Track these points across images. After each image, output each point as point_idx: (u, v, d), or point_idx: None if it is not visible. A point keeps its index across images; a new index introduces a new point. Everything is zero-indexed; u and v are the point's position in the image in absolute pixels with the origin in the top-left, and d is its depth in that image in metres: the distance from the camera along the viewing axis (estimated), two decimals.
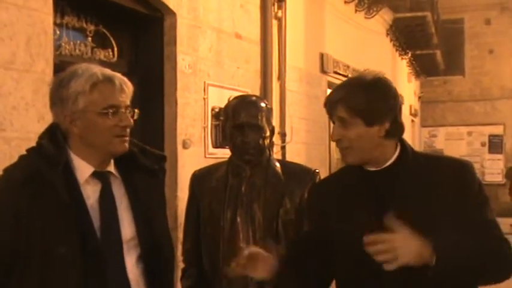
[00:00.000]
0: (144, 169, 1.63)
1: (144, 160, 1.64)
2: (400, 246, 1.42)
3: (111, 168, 1.59)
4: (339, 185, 1.70)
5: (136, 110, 1.59)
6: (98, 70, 1.53)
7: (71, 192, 1.47)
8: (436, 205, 1.54)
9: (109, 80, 1.52)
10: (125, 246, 1.54)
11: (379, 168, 1.61)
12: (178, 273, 2.24)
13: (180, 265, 2.25)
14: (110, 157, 1.58)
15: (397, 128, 1.61)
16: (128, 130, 1.55)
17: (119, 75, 1.56)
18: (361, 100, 1.56)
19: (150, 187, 1.64)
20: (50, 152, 1.49)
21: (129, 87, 1.57)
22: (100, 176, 1.55)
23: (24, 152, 1.58)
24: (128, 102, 1.56)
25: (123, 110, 1.53)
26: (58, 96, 1.53)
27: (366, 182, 1.61)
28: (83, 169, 1.53)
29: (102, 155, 1.55)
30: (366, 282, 1.56)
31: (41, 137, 1.56)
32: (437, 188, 1.55)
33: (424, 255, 1.43)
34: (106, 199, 1.54)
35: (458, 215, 1.53)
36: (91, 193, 1.53)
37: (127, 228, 1.55)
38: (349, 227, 1.58)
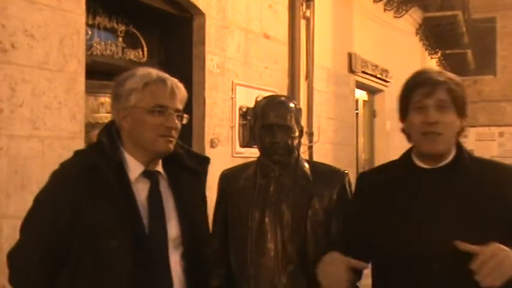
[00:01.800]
0: (189, 170, 1.69)
1: (188, 161, 1.69)
2: (502, 261, 1.38)
3: (159, 168, 1.64)
4: (392, 178, 1.67)
5: (185, 115, 1.64)
6: (154, 71, 1.61)
7: (123, 189, 1.52)
8: (493, 209, 1.51)
9: (161, 81, 1.58)
10: (170, 244, 1.59)
11: (435, 166, 1.59)
12: None
13: None
14: (156, 156, 1.62)
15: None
16: (174, 132, 1.59)
17: (174, 79, 1.62)
18: (460, 88, 1.57)
19: (193, 188, 1.69)
20: (107, 149, 1.56)
21: (181, 91, 1.62)
22: (149, 175, 1.61)
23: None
24: (179, 106, 1.61)
25: (171, 111, 1.57)
26: (116, 92, 1.60)
27: (423, 178, 1.59)
28: (135, 167, 1.58)
29: (149, 154, 1.59)
30: (415, 279, 1.54)
31: (100, 133, 1.62)
32: (494, 191, 1.54)
33: None
34: (154, 198, 1.59)
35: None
36: (141, 191, 1.58)
37: (173, 226, 1.61)
38: (401, 222, 1.56)
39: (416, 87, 1.57)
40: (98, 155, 1.54)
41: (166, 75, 1.62)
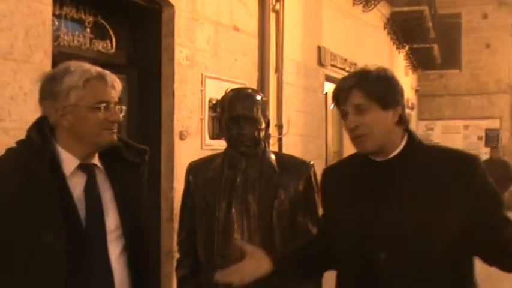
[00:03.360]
0: (127, 162, 1.68)
1: (126, 153, 1.69)
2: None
3: (96, 161, 1.64)
4: (349, 172, 1.71)
5: (123, 107, 1.64)
6: (91, 67, 1.59)
7: (57, 183, 1.51)
8: (442, 196, 1.52)
9: (101, 76, 1.58)
10: (108, 237, 1.58)
11: (386, 159, 1.62)
12: (174, 263, 2.28)
13: (176, 255, 2.29)
14: (97, 149, 1.62)
15: (406, 115, 1.63)
16: (116, 125, 1.60)
17: (109, 73, 1.62)
18: (375, 84, 1.58)
19: (132, 179, 1.69)
20: (37, 145, 1.54)
21: (118, 84, 1.63)
22: (85, 168, 1.60)
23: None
24: (117, 99, 1.61)
25: (112, 105, 1.58)
26: (50, 90, 1.58)
27: (373, 172, 1.63)
28: (69, 162, 1.57)
29: (88, 148, 1.60)
30: (364, 272, 1.58)
31: (30, 130, 1.60)
32: (443, 179, 1.54)
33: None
34: (91, 190, 1.59)
35: (468, 207, 1.50)
36: (76, 185, 1.57)
37: (111, 218, 1.60)
38: (354, 216, 1.60)
39: (336, 97, 1.65)
40: (28, 151, 1.53)
41: (102, 70, 1.61)
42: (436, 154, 1.63)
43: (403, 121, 1.61)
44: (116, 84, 1.61)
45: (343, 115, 1.63)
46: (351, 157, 1.78)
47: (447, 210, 1.51)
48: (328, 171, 1.86)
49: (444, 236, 1.51)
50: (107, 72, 1.61)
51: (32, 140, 1.56)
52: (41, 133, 1.57)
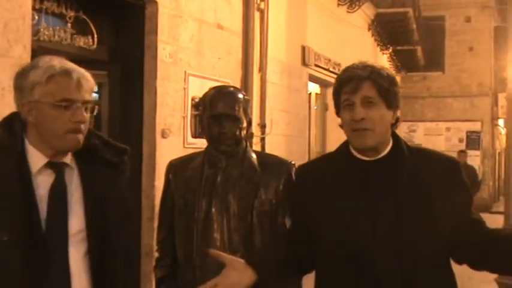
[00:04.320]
0: (104, 161, 1.63)
1: (104, 152, 1.63)
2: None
3: (67, 159, 1.58)
4: (328, 171, 1.68)
5: (96, 106, 1.58)
6: (58, 63, 1.53)
7: (20, 181, 1.46)
8: (429, 198, 1.55)
9: (66, 73, 1.51)
10: (71, 239, 1.52)
11: (373, 158, 1.61)
12: (153, 263, 2.25)
13: (156, 255, 2.26)
14: (63, 152, 1.57)
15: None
16: (83, 126, 1.53)
17: (80, 69, 1.55)
18: (386, 80, 1.57)
19: (108, 179, 1.62)
20: (3, 141, 1.49)
21: (88, 82, 1.55)
22: (54, 166, 1.54)
23: None
24: (87, 98, 1.54)
25: (78, 104, 1.51)
26: (17, 85, 1.53)
27: (359, 172, 1.61)
28: (37, 159, 1.52)
29: (54, 149, 1.54)
30: (355, 272, 1.57)
31: None
32: (430, 181, 1.57)
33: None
34: (56, 190, 1.53)
35: (451, 209, 1.55)
36: (42, 183, 1.51)
37: (75, 220, 1.54)
38: (344, 216, 1.57)
39: (343, 85, 1.59)
40: None
41: (72, 66, 1.54)
42: (423, 156, 1.65)
43: (396, 123, 1.63)
44: (84, 82, 1.53)
45: (345, 105, 1.58)
46: (328, 156, 1.77)
47: (438, 210, 1.55)
48: (303, 170, 1.83)
49: (436, 236, 1.54)
50: (75, 69, 1.54)
51: None
52: (10, 129, 1.52)
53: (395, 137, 1.66)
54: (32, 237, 1.45)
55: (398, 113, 1.63)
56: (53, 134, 1.51)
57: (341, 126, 1.66)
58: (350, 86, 1.57)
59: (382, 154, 1.62)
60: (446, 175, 1.60)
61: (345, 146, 1.69)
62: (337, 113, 1.66)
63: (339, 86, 1.61)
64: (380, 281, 1.54)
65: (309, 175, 1.76)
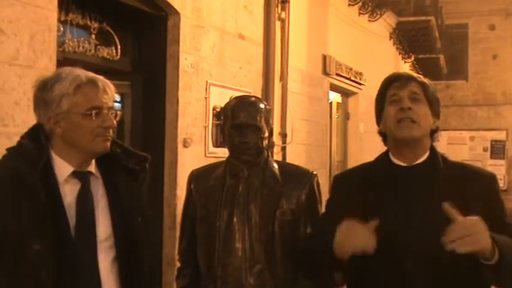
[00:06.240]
0: (126, 169, 1.66)
1: (126, 161, 1.66)
2: (478, 232, 1.43)
3: (92, 168, 1.61)
4: (366, 179, 1.71)
5: (118, 112, 1.62)
6: (82, 73, 1.57)
7: (48, 190, 1.49)
8: (466, 210, 1.52)
9: (92, 82, 1.56)
10: (99, 246, 1.55)
11: (410, 164, 1.65)
12: (175, 272, 2.26)
13: (177, 264, 2.26)
14: (91, 157, 1.60)
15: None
16: (111, 131, 1.58)
17: (101, 77, 1.60)
18: (431, 87, 1.68)
19: (130, 187, 1.65)
20: (29, 151, 1.52)
21: (111, 89, 1.60)
22: (80, 175, 1.57)
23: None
24: (110, 104, 1.59)
25: (106, 111, 1.56)
26: (42, 98, 1.56)
27: (396, 179, 1.64)
28: (63, 168, 1.55)
29: (83, 155, 1.57)
30: (390, 279, 1.57)
31: (23, 136, 1.58)
32: (468, 193, 1.59)
33: (488, 248, 1.44)
34: (83, 198, 1.56)
35: (488, 222, 1.52)
36: (69, 192, 1.54)
37: (103, 228, 1.57)
38: (382, 223, 1.55)
39: (391, 83, 1.68)
40: (19, 158, 1.51)
41: (94, 75, 1.59)
42: (459, 168, 1.70)
43: (434, 134, 1.69)
44: (108, 89, 1.58)
45: (392, 100, 1.65)
46: (368, 164, 1.79)
47: None
48: (341, 175, 1.88)
49: None
50: (99, 78, 1.59)
51: (23, 147, 1.54)
52: (35, 140, 1.55)
53: (432, 148, 1.70)
54: (62, 245, 1.47)
55: (438, 123, 1.68)
56: (84, 140, 1.54)
57: (380, 132, 1.71)
58: (399, 82, 1.66)
59: (419, 160, 1.66)
60: (485, 189, 1.63)
61: (385, 154, 1.73)
62: (378, 119, 1.71)
63: (388, 82, 1.69)
64: None
65: (347, 179, 1.81)
